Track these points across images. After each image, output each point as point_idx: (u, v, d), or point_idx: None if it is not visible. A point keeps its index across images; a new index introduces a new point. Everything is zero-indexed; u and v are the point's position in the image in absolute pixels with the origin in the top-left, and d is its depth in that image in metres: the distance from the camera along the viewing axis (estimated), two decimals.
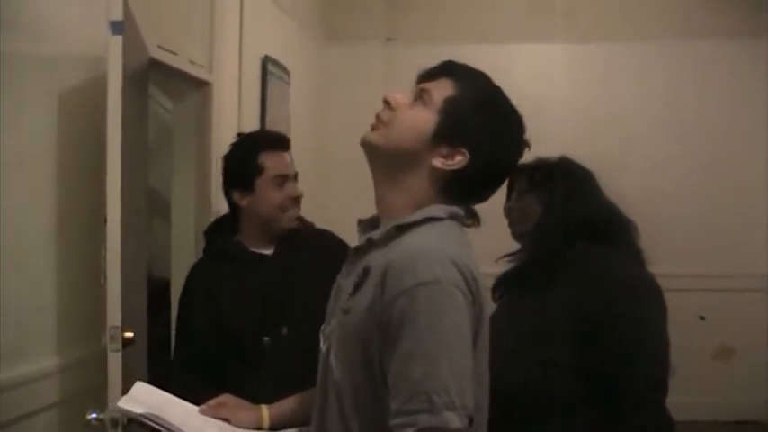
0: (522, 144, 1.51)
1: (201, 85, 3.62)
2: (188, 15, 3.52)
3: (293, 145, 2.54)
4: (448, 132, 1.44)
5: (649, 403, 1.97)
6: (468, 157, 1.43)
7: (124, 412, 1.75)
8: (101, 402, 2.17)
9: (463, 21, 5.73)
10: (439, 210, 1.43)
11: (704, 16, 5.67)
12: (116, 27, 2.20)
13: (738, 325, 5.54)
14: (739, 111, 5.70)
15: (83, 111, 2.49)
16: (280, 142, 2.48)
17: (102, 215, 2.26)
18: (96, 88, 2.36)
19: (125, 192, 2.23)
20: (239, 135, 2.55)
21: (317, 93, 5.57)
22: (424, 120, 1.45)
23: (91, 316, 2.43)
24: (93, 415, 2.13)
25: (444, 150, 1.44)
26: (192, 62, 3.47)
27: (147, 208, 2.79)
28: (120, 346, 2.17)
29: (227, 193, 2.44)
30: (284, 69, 4.63)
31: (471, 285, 1.33)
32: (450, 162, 1.44)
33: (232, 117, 3.91)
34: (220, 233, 2.49)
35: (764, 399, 5.54)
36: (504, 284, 2.22)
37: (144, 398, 1.77)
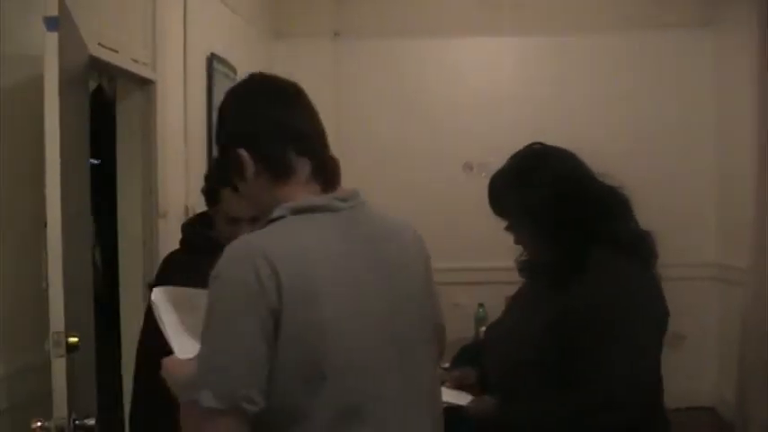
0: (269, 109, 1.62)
1: (145, 84, 3.55)
2: (129, 12, 3.44)
3: None
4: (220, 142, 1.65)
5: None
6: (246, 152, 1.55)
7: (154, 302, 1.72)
8: (47, 410, 2.11)
9: (411, 14, 5.71)
10: (279, 210, 1.51)
11: (650, 8, 5.75)
12: (51, 23, 2.12)
13: (689, 313, 5.61)
14: (687, 101, 5.77)
15: (20, 112, 2.42)
16: None
17: (42, 218, 2.20)
18: (34, 88, 2.29)
19: (65, 194, 2.16)
20: None
21: None
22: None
23: (35, 322, 2.36)
24: (39, 423, 2.08)
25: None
26: (135, 60, 3.40)
27: (91, 210, 2.73)
28: (64, 351, 2.10)
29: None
30: (230, 67, 4.57)
31: (263, 277, 1.39)
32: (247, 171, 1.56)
33: (177, 116, 3.85)
34: (196, 227, 2.50)
35: (715, 385, 5.64)
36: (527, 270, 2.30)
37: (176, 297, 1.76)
